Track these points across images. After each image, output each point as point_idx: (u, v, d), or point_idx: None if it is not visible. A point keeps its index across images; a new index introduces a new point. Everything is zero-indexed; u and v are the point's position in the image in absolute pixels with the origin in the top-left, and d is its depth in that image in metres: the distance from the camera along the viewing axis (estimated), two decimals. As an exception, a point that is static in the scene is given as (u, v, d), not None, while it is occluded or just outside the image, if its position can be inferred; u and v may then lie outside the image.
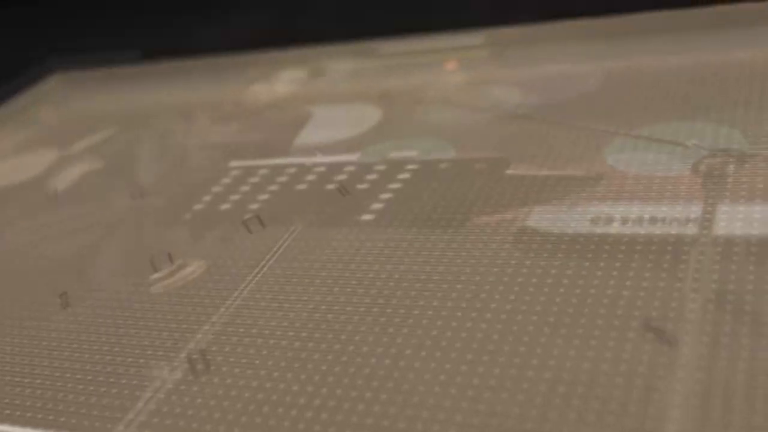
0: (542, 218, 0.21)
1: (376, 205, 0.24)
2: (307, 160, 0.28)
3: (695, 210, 0.20)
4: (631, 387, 0.15)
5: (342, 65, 0.36)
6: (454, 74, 0.33)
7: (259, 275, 0.22)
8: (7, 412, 0.20)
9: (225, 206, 0.27)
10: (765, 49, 0.28)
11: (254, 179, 0.28)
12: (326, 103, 0.33)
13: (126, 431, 0.17)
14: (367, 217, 0.24)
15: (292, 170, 0.28)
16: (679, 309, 0.17)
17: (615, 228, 0.20)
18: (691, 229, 0.19)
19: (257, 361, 0.19)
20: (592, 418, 0.15)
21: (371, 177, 0.26)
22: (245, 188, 0.27)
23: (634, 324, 0.17)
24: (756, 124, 0.23)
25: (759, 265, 0.18)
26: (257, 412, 0.17)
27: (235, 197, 0.27)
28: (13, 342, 0.22)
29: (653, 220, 0.20)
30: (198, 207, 0.27)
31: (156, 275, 0.23)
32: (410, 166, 0.26)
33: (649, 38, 0.32)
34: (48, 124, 0.41)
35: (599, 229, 0.20)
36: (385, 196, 0.25)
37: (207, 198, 0.27)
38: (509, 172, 0.24)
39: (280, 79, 0.37)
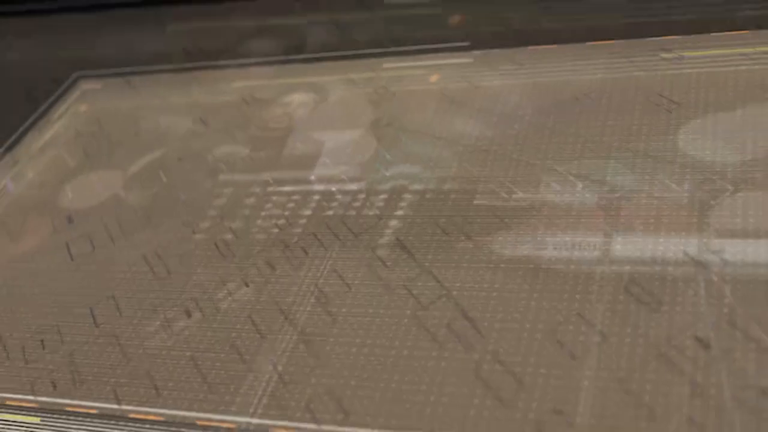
0: (500, 243, 0.32)
1: (388, 231, 0.35)
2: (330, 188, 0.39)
3: (598, 238, 0.31)
4: (552, 375, 0.27)
5: (337, 88, 0.46)
6: (429, 104, 0.43)
7: (317, 288, 0.33)
8: (152, 391, 0.31)
9: (275, 230, 0.37)
10: (665, 80, 0.39)
11: (291, 204, 0.38)
12: (330, 130, 0.43)
13: (260, 403, 0.29)
14: (384, 240, 0.34)
15: (317, 197, 0.38)
16: (590, 316, 0.28)
17: (548, 252, 0.31)
18: (597, 254, 0.31)
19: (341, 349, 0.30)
20: (534, 391, 0.26)
21: (380, 205, 0.37)
22: (286, 213, 0.38)
23: (560, 327, 0.28)
24: (640, 166, 0.34)
25: (638, 279, 0.29)
26: (357, 390, 0.28)
27: (281, 221, 0.38)
28: (144, 346, 0.33)
29: (573, 246, 0.31)
30: (254, 230, 0.38)
31: (224, 292, 0.34)
32: (406, 196, 0.37)
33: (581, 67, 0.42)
34: (87, 140, 0.50)
35: (538, 252, 0.32)
36: (393, 222, 0.35)
37: (259, 222, 0.38)
38: (476, 202, 0.35)
39: (284, 102, 0.47)
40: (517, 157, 0.37)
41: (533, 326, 0.29)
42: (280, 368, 0.30)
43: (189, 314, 0.34)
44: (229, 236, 0.38)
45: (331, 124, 0.44)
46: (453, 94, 0.43)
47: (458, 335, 0.29)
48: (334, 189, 0.39)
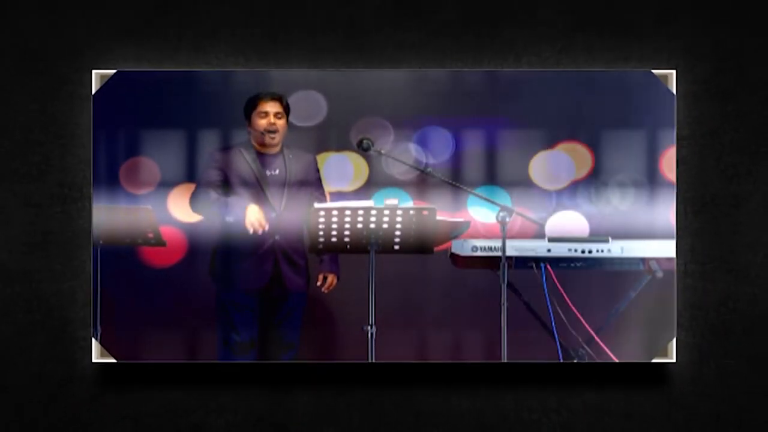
0: (455, 246, 0.72)
1: (396, 239, 0.71)
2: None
3: (499, 242, 0.72)
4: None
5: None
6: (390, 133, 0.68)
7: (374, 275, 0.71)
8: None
9: (334, 239, 0.70)
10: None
11: (335, 219, 0.70)
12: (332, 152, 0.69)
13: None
14: (396, 246, 0.71)
15: (348, 212, 0.70)
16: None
17: (478, 252, 0.72)
18: (499, 253, 0.72)
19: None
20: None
21: (386, 219, 0.70)
22: (335, 226, 0.70)
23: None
24: (518, 194, 0.71)
25: (518, 268, 0.73)
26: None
27: (333, 232, 0.70)
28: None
29: (489, 248, 0.72)
30: (321, 239, 0.70)
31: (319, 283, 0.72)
32: (399, 212, 0.70)
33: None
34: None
35: (474, 253, 0.72)
36: (397, 233, 0.71)
37: (321, 232, 0.70)
38: (438, 218, 0.71)
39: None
40: (450, 180, 0.70)
41: (470, 299, 0.74)
42: None
43: None
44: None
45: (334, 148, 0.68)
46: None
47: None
48: (359, 205, 0.70)
